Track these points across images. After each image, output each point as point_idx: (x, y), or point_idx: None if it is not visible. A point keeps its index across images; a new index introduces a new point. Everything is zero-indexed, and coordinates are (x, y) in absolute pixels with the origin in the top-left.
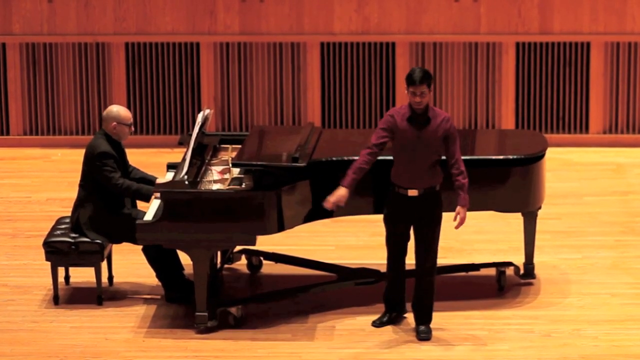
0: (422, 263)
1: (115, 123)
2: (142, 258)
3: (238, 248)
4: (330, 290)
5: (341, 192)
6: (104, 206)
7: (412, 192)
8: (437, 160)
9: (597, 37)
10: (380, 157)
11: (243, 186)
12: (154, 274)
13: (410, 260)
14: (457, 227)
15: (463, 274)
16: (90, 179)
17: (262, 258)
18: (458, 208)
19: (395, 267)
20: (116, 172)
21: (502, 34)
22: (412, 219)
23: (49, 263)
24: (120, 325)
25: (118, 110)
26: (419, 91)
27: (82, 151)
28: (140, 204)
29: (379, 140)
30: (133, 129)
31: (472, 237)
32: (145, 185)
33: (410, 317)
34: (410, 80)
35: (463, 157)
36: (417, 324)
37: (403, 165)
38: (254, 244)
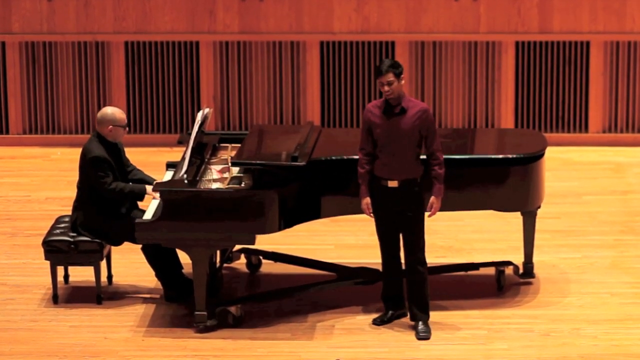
0: (410, 254)
1: (111, 126)
2: (142, 257)
3: (237, 247)
4: (330, 289)
5: (366, 202)
6: (101, 209)
7: (392, 183)
8: (416, 152)
9: (596, 37)
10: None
11: (242, 185)
12: (153, 273)
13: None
14: (430, 216)
15: (462, 273)
16: (87, 182)
17: (261, 257)
18: (432, 198)
19: (389, 263)
20: (108, 176)
21: (501, 33)
22: (396, 211)
23: (48, 262)
24: (120, 324)
25: (113, 112)
26: (386, 80)
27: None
28: (141, 204)
29: (366, 141)
30: (127, 129)
31: (472, 236)
32: (137, 186)
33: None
34: (376, 71)
35: (463, 156)
36: (415, 322)
37: (381, 156)
38: (253, 243)
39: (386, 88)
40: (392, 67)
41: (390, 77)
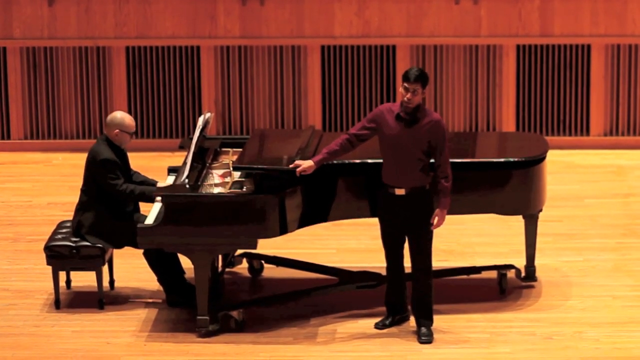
0: (415, 263)
1: (118, 130)
2: (144, 262)
3: (239, 252)
4: (332, 293)
5: (308, 163)
6: (106, 211)
7: (399, 191)
8: (425, 161)
9: (597, 40)
10: (376, 160)
11: (244, 190)
12: (155, 277)
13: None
14: (433, 228)
15: (464, 276)
16: (92, 184)
17: (263, 261)
18: (437, 210)
19: (393, 268)
20: (119, 178)
21: (502, 37)
22: (403, 219)
23: (50, 267)
24: (122, 329)
25: (122, 117)
26: (412, 88)
27: (83, 155)
28: (143, 208)
29: (358, 131)
30: (134, 137)
31: (473, 239)
32: (148, 187)
33: (412, 320)
34: (405, 76)
35: (464, 160)
36: (418, 326)
37: (389, 163)
38: (255, 247)
39: (409, 96)
40: (421, 77)
41: (417, 86)
